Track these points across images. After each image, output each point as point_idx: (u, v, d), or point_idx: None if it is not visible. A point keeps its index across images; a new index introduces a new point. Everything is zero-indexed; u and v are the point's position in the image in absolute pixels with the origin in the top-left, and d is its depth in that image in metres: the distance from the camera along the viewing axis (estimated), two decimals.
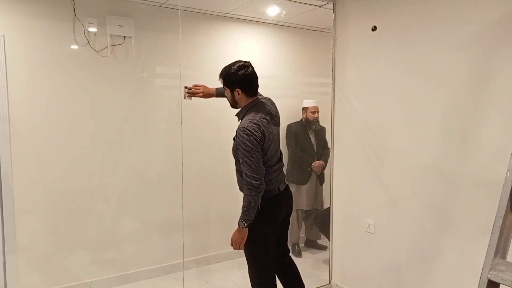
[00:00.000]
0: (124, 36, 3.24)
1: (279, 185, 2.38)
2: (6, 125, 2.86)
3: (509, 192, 1.18)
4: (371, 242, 2.93)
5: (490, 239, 1.21)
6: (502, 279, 1.15)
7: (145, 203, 3.46)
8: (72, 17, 3.03)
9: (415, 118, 2.58)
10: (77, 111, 3.12)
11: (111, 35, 3.19)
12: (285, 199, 2.45)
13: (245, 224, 2.23)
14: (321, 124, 3.96)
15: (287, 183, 2.51)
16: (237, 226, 2.27)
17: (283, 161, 2.56)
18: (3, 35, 2.81)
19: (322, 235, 3.96)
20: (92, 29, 3.10)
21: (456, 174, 2.36)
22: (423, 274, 2.57)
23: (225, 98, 2.46)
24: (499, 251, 1.22)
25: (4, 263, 2.95)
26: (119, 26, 3.19)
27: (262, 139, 2.22)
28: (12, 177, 2.91)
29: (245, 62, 2.30)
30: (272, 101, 2.49)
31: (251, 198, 2.20)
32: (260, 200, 2.23)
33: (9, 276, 2.96)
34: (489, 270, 1.17)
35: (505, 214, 1.20)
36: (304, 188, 3.96)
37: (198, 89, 2.68)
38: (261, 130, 2.21)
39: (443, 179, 2.44)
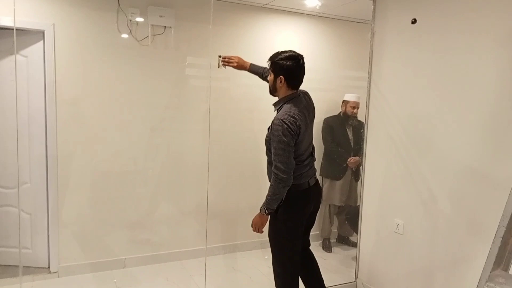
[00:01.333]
0: (165, 26, 3.35)
1: (309, 180, 2.37)
2: (53, 109, 3.07)
3: None
4: (399, 243, 2.85)
5: (490, 249, 1.14)
6: None
7: (180, 189, 3.59)
8: (116, 8, 3.17)
9: (453, 116, 2.45)
10: (120, 97, 3.29)
11: (152, 25, 3.30)
12: (314, 194, 2.43)
13: (266, 211, 2.28)
14: (359, 119, 3.87)
15: (317, 178, 2.49)
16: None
17: (316, 155, 2.55)
18: (53, 24, 3.01)
19: (354, 232, 3.89)
20: (134, 19, 3.23)
21: (493, 178, 2.22)
22: (453, 281, 2.46)
23: (255, 77, 2.47)
24: (502, 263, 1.14)
25: (48, 235, 3.21)
26: (160, 16, 3.30)
27: (297, 133, 2.21)
28: (57, 159, 3.13)
29: (299, 54, 2.30)
30: (309, 95, 2.47)
31: (276, 190, 2.22)
32: (285, 193, 2.24)
33: (52, 248, 3.21)
34: (486, 281, 1.11)
35: (510, 224, 1.12)
36: (338, 183, 3.90)
37: (233, 59, 2.71)
38: (297, 124, 2.20)
39: (478, 182, 2.31)
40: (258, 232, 2.37)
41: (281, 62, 2.27)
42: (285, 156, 2.18)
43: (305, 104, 2.34)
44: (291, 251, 2.38)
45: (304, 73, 2.34)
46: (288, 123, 2.16)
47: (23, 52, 3.05)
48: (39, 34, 3.01)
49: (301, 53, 2.31)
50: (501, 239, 1.12)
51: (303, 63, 2.30)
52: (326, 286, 2.63)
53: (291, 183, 2.23)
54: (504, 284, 1.09)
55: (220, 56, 2.61)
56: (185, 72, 3.49)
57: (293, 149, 2.21)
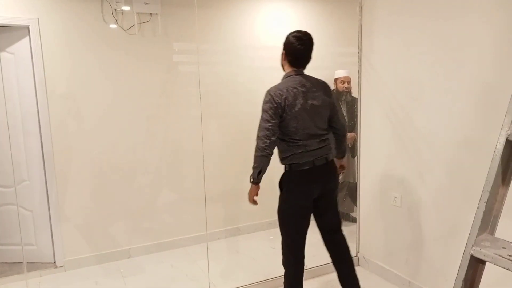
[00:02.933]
0: (151, 14, 3.31)
1: (314, 159, 2.34)
2: (45, 105, 3.07)
3: (497, 166, 1.11)
4: (397, 215, 2.86)
5: (475, 214, 1.15)
6: (484, 255, 1.09)
7: (180, 175, 3.61)
8: None
9: (446, 88, 2.42)
10: (113, 88, 3.28)
11: (138, 13, 3.27)
12: (321, 175, 2.38)
13: (251, 180, 2.36)
14: (353, 95, 3.84)
15: (329, 159, 2.42)
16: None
17: None
18: (38, 18, 2.99)
19: (355, 207, 3.91)
20: (120, 8, 3.20)
21: (487, 146, 2.21)
22: (450, 249, 2.48)
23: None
24: (488, 227, 1.15)
25: (51, 231, 3.24)
26: (145, 3, 3.26)
27: (281, 106, 2.22)
28: (53, 154, 3.14)
29: (305, 34, 2.31)
30: (322, 81, 2.44)
31: (255, 159, 2.30)
32: (266, 163, 2.30)
33: (56, 242, 3.25)
34: (472, 246, 1.12)
35: (494, 188, 1.13)
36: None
37: None
38: (283, 97, 2.22)
39: (472, 153, 2.30)
40: (250, 202, 2.44)
41: (286, 39, 2.34)
42: (264, 125, 2.23)
43: (303, 83, 2.31)
44: (292, 229, 2.40)
45: (304, 53, 2.32)
46: (272, 94, 2.23)
47: (9, 49, 3.04)
48: (24, 30, 2.99)
49: (309, 34, 2.33)
50: (485, 203, 1.12)
51: (308, 43, 2.30)
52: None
53: (271, 153, 2.28)
54: (490, 247, 1.10)
55: None
56: (173, 58, 3.46)
57: (275, 120, 2.23)
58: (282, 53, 2.37)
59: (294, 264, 2.43)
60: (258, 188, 2.39)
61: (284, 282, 2.48)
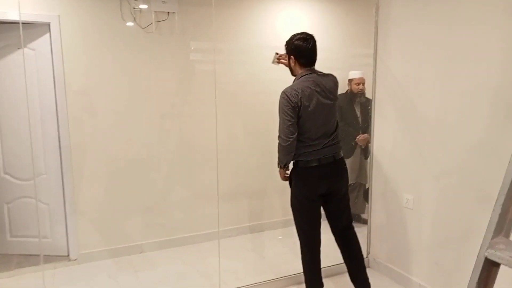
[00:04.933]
0: (168, 12, 3.36)
1: (320, 158, 2.41)
2: (64, 100, 3.13)
3: None
4: (409, 217, 2.86)
5: (491, 217, 1.16)
6: (499, 258, 1.10)
7: (193, 172, 3.65)
8: None
9: (461, 91, 2.42)
10: (129, 85, 3.34)
11: (155, 11, 3.31)
12: (327, 173, 2.45)
13: (279, 166, 2.52)
14: (367, 96, 3.84)
15: (337, 157, 2.49)
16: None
17: None
18: (58, 16, 3.05)
19: (366, 208, 3.91)
20: (138, 7, 3.24)
21: (502, 150, 2.20)
22: (462, 253, 2.48)
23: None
24: (503, 230, 1.16)
25: (66, 224, 3.31)
26: (163, 2, 3.30)
27: (297, 106, 2.30)
28: (70, 149, 3.20)
29: (308, 34, 2.42)
30: (333, 77, 2.50)
31: (280, 155, 2.45)
32: (290, 158, 2.43)
33: (71, 236, 3.31)
34: (487, 248, 1.13)
35: (510, 191, 1.13)
36: (348, 161, 3.87)
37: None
38: (299, 97, 2.30)
39: (487, 154, 2.29)
40: (282, 180, 2.59)
41: (291, 43, 2.43)
42: (284, 125, 2.32)
43: (317, 82, 2.37)
44: (303, 222, 2.51)
45: (314, 52, 2.44)
46: (288, 95, 2.30)
47: (31, 45, 3.11)
48: (45, 27, 3.05)
49: (310, 33, 2.43)
50: (501, 206, 1.13)
51: (313, 42, 2.41)
52: (365, 267, 2.65)
53: (293, 151, 2.38)
54: (505, 250, 1.10)
55: (277, 53, 2.63)
56: (190, 57, 3.50)
57: (293, 120, 2.31)
58: (291, 59, 2.44)
59: (308, 255, 2.53)
60: (285, 170, 2.55)
61: (303, 275, 2.58)
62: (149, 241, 3.57)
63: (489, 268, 1.16)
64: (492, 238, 1.13)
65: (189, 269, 3.25)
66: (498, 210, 1.13)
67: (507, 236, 1.16)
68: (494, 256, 1.10)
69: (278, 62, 2.68)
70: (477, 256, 1.16)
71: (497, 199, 1.14)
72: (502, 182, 1.14)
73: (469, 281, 1.17)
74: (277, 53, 2.65)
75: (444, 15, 2.49)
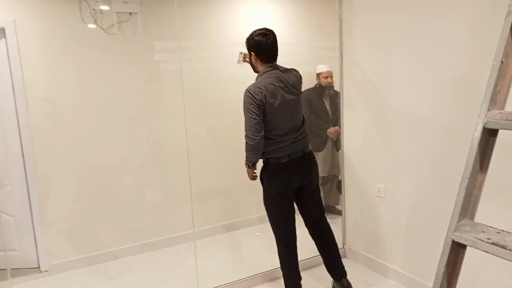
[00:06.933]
0: (130, 13, 3.28)
1: (290, 153, 2.42)
2: (25, 107, 3.01)
3: (475, 153, 1.14)
4: (382, 206, 2.91)
5: (456, 201, 1.18)
6: (464, 240, 1.12)
7: (165, 175, 3.59)
8: None
9: (426, 80, 2.47)
10: (94, 89, 3.24)
11: (117, 12, 3.23)
12: (298, 167, 2.47)
13: (247, 166, 2.52)
14: (335, 89, 3.88)
15: (307, 151, 2.52)
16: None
17: None
18: (14, 20, 2.93)
19: (340, 200, 3.96)
20: (98, 8, 3.15)
21: (466, 137, 2.26)
22: (434, 237, 2.54)
23: None
24: (468, 212, 1.19)
25: (34, 235, 3.19)
26: (124, 2, 3.23)
27: (262, 103, 2.29)
28: (34, 157, 3.09)
29: (267, 30, 2.41)
30: (296, 71, 2.50)
31: (247, 154, 2.43)
32: (257, 156, 2.42)
33: (40, 247, 3.20)
34: (454, 231, 1.15)
35: (473, 175, 1.16)
36: (320, 155, 3.93)
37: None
38: (263, 94, 2.28)
39: (452, 142, 2.36)
40: (251, 179, 2.59)
41: (251, 39, 2.41)
42: (251, 123, 2.31)
43: (280, 78, 2.37)
44: (277, 218, 2.52)
45: (274, 47, 2.42)
46: (252, 93, 2.29)
47: None
48: (0, 32, 2.92)
49: (270, 29, 2.42)
50: (465, 190, 1.16)
51: (272, 37, 2.40)
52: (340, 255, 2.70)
53: (261, 149, 2.37)
54: (470, 231, 1.13)
55: (241, 53, 2.61)
56: (155, 57, 3.44)
57: (259, 118, 2.30)
58: (251, 55, 2.43)
59: (285, 251, 2.53)
60: (253, 169, 2.54)
61: (281, 270, 2.58)
62: (123, 246, 3.49)
63: (457, 250, 1.19)
64: (458, 221, 1.16)
65: (166, 272, 3.21)
66: (462, 194, 1.15)
67: (472, 218, 1.20)
68: (460, 238, 1.13)
69: (244, 61, 2.68)
70: (445, 239, 1.18)
71: (460, 182, 1.17)
72: (464, 166, 1.17)
73: (438, 264, 1.20)
74: (241, 52, 2.64)
75: (406, 3, 2.53)
